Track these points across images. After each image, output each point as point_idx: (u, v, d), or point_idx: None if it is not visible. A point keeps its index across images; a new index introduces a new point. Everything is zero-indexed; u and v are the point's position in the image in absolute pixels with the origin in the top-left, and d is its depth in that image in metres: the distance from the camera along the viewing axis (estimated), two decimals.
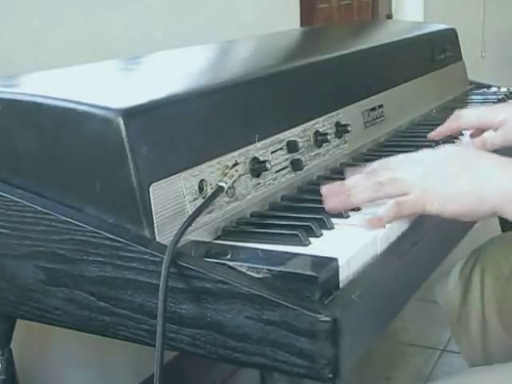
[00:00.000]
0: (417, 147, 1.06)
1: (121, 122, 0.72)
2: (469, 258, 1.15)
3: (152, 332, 0.69)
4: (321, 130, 1.00)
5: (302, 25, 2.13)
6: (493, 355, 1.07)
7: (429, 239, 0.84)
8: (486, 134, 0.99)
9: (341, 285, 0.68)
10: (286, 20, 2.05)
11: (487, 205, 0.75)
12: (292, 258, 0.70)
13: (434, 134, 1.06)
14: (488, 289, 1.09)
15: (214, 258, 0.70)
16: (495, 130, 0.98)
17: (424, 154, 0.83)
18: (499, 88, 1.57)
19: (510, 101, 1.43)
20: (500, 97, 1.46)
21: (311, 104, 1.02)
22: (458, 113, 1.03)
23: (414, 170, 0.79)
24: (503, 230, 1.54)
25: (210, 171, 0.80)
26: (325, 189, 0.81)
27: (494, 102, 1.41)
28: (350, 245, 0.74)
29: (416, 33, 1.54)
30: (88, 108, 0.75)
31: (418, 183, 0.77)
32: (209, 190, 0.79)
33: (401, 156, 0.83)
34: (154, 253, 0.70)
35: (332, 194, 0.81)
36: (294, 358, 0.65)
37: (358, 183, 0.80)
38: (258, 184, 0.87)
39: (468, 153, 0.82)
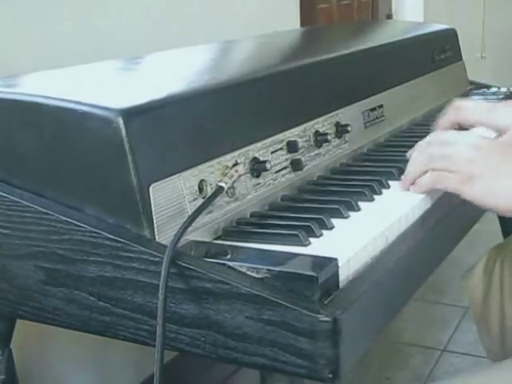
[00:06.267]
0: None
1: (121, 121, 0.72)
2: (492, 253, 1.15)
3: (152, 332, 0.69)
4: (321, 130, 1.00)
5: (302, 25, 2.13)
6: (509, 348, 1.07)
7: (429, 240, 0.84)
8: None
9: (341, 285, 0.68)
10: (286, 20, 2.05)
11: None
12: (292, 258, 0.70)
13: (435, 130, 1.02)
14: (506, 283, 1.09)
15: (214, 258, 0.70)
16: (499, 133, 0.97)
17: (481, 139, 0.85)
18: (499, 88, 1.57)
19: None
20: (500, 97, 1.46)
21: (311, 104, 1.02)
22: (457, 104, 0.99)
23: (466, 151, 0.82)
24: (503, 231, 1.54)
25: (210, 171, 0.80)
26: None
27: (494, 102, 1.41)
28: (350, 245, 0.74)
29: (416, 33, 1.54)
30: (88, 108, 0.75)
31: (465, 166, 0.81)
32: (209, 190, 0.79)
33: (458, 133, 0.89)
34: (154, 253, 0.70)
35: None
36: (293, 358, 0.65)
37: (413, 158, 0.88)
38: (258, 184, 0.87)
39: None
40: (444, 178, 0.83)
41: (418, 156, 0.87)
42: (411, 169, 0.88)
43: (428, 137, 0.89)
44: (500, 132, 0.94)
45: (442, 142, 0.86)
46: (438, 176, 0.84)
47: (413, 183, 0.88)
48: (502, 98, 1.44)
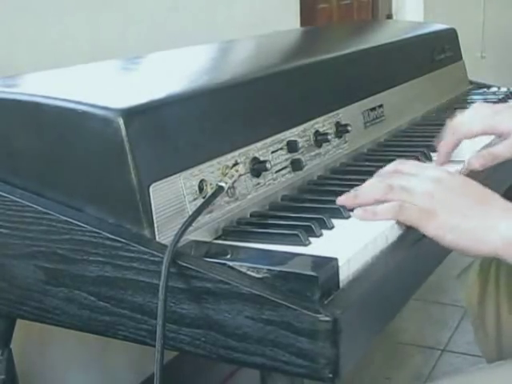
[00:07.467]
0: (417, 147, 1.07)
1: (121, 121, 0.72)
2: None
3: (152, 332, 0.69)
4: (321, 130, 1.00)
5: (302, 25, 2.13)
6: (505, 349, 1.07)
7: (429, 239, 0.84)
8: (494, 148, 0.93)
9: (341, 285, 0.68)
10: (286, 20, 2.05)
11: (487, 247, 0.74)
12: (292, 257, 0.70)
13: (439, 161, 0.97)
14: (502, 283, 1.09)
15: (214, 258, 0.70)
16: (500, 138, 0.93)
17: (443, 173, 0.81)
18: (499, 88, 1.57)
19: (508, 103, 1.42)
20: (500, 97, 1.46)
21: (311, 104, 1.02)
22: (453, 124, 0.94)
23: (427, 185, 0.78)
24: None
25: (210, 171, 0.80)
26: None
27: (494, 102, 1.41)
28: (350, 245, 0.73)
29: (416, 33, 1.54)
30: (88, 108, 0.75)
31: (426, 202, 0.76)
32: (209, 190, 0.79)
33: (418, 165, 0.84)
34: (154, 253, 0.70)
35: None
36: (293, 358, 0.65)
37: (370, 183, 0.81)
38: (258, 184, 0.87)
39: (481, 190, 0.79)
40: (405, 209, 0.77)
41: (377, 183, 0.81)
42: (366, 193, 0.81)
43: (391, 165, 0.84)
44: (504, 136, 0.92)
45: (402, 174, 0.81)
46: (399, 207, 0.77)
47: (359, 206, 0.81)
48: (502, 98, 1.44)
